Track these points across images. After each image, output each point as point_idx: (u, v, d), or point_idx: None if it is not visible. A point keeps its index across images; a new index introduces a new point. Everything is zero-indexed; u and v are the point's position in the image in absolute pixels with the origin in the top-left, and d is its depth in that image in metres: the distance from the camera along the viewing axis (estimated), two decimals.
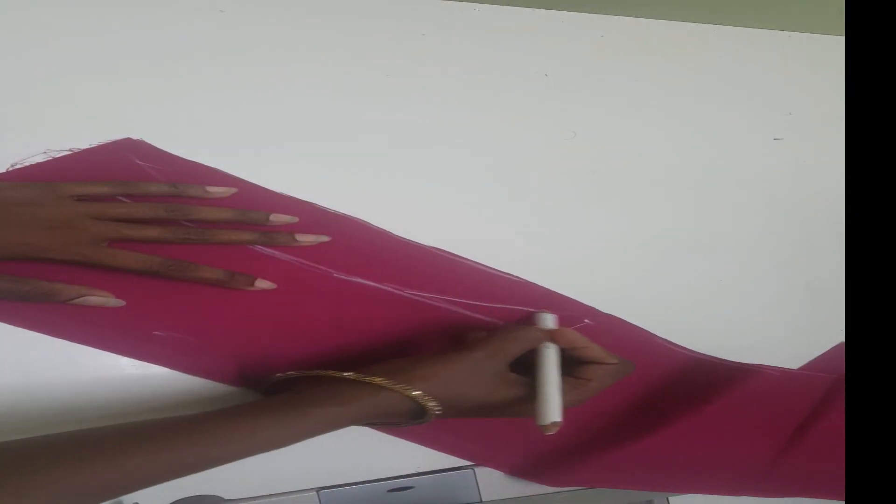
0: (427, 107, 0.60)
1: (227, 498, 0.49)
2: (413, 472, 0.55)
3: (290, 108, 0.56)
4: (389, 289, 0.54)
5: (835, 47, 0.74)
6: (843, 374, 0.63)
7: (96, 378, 0.49)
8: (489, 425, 0.56)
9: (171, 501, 0.48)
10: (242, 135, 0.54)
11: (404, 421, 0.46)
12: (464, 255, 0.57)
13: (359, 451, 0.54)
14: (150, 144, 0.51)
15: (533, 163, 0.62)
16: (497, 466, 0.57)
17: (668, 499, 0.61)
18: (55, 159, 0.49)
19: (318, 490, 0.52)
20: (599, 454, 0.57)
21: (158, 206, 0.48)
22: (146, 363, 0.49)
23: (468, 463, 0.56)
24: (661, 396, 0.60)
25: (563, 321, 0.55)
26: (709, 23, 0.71)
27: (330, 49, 0.58)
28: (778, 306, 0.67)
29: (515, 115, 0.62)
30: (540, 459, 0.58)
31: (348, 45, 0.59)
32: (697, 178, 0.67)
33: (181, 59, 0.54)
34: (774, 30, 0.74)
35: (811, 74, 0.73)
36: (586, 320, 0.59)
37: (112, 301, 0.47)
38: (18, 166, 0.48)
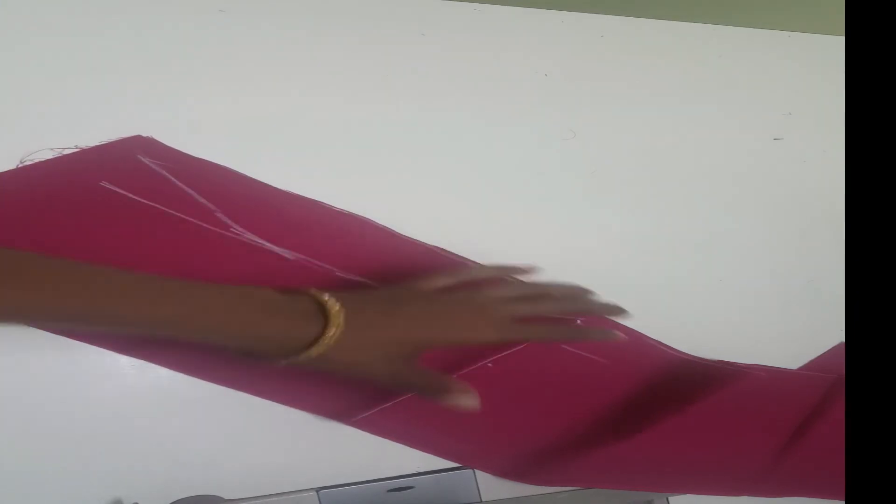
0: (427, 107, 0.60)
1: (227, 498, 0.49)
2: (413, 472, 0.55)
3: (290, 108, 0.56)
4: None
5: (835, 47, 0.74)
6: (843, 374, 0.63)
7: (96, 378, 0.49)
8: (478, 427, 0.56)
9: (171, 501, 0.48)
10: (241, 134, 0.54)
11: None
12: (462, 255, 0.57)
13: (359, 451, 0.54)
14: (159, 142, 0.51)
15: (532, 163, 0.62)
16: (486, 468, 0.57)
17: (667, 499, 0.61)
18: (63, 156, 0.49)
19: (318, 490, 0.52)
20: (588, 454, 0.57)
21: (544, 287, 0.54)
22: (146, 363, 0.49)
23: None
24: (649, 396, 0.60)
25: (558, 323, 0.56)
26: (709, 23, 0.71)
27: (330, 49, 0.58)
28: (778, 306, 0.67)
29: (515, 115, 0.62)
30: (529, 460, 0.58)
31: (348, 44, 0.59)
32: (697, 178, 0.67)
33: (180, 59, 0.54)
34: (774, 30, 0.74)
35: (811, 74, 0.73)
36: (578, 321, 0.59)
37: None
38: (27, 162, 0.48)
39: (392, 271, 0.55)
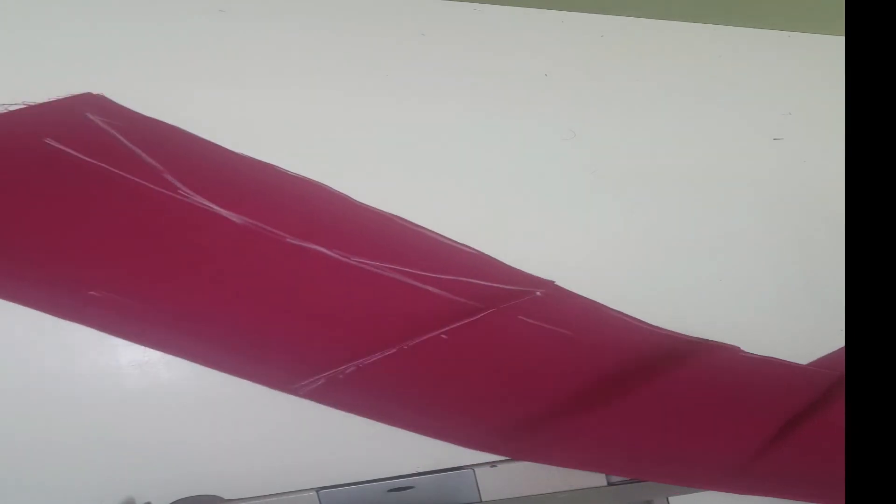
0: (427, 107, 0.60)
1: (226, 498, 0.50)
2: (413, 472, 0.55)
3: (290, 108, 0.56)
4: (337, 255, 0.53)
5: (835, 47, 0.74)
6: (841, 373, 0.63)
7: (95, 378, 0.49)
8: (436, 398, 0.54)
9: (171, 501, 0.48)
10: (240, 133, 0.54)
11: None
12: (420, 224, 0.56)
13: (359, 451, 0.54)
14: (110, 100, 0.50)
15: (532, 163, 0.62)
16: (447, 439, 0.55)
17: (667, 499, 0.60)
18: (7, 112, 0.48)
19: (318, 490, 0.52)
20: (555, 427, 0.55)
21: None
22: (146, 363, 0.49)
23: (468, 463, 0.56)
24: (616, 370, 0.58)
25: (516, 295, 0.54)
26: (709, 23, 0.71)
27: (330, 49, 0.58)
28: (778, 307, 0.67)
29: (515, 115, 0.62)
30: (491, 431, 0.56)
31: (348, 44, 0.59)
32: (697, 178, 0.67)
33: (180, 58, 0.54)
34: (774, 30, 0.73)
35: (811, 74, 0.73)
36: (538, 293, 0.58)
37: None
38: None
39: (347, 238, 0.53)
